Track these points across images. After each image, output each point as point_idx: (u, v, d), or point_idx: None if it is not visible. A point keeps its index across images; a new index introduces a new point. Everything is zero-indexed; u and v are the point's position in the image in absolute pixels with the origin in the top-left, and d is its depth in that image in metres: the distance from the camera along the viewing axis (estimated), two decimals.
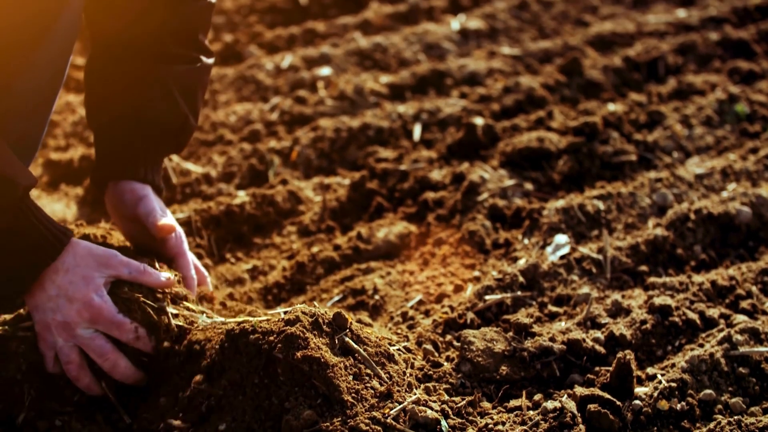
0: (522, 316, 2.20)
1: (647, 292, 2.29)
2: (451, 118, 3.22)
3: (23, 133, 2.25)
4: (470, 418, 1.87)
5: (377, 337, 1.92)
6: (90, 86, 2.20)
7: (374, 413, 1.74)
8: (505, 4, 4.08)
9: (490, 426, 1.84)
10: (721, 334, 2.09)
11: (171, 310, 1.96)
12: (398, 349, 1.99)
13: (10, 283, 1.85)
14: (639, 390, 1.96)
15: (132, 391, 1.95)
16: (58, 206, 2.82)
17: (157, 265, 2.03)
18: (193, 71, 2.18)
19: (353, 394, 1.76)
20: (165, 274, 1.96)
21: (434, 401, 1.86)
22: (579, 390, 1.94)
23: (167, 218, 2.09)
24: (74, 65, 3.81)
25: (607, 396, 1.92)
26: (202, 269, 2.22)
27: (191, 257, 2.17)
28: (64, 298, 1.84)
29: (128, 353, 1.91)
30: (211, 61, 2.22)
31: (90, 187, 2.13)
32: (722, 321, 2.18)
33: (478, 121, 3.05)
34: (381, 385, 1.82)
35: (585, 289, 2.31)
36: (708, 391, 1.96)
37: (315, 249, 2.59)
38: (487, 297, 2.26)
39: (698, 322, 2.17)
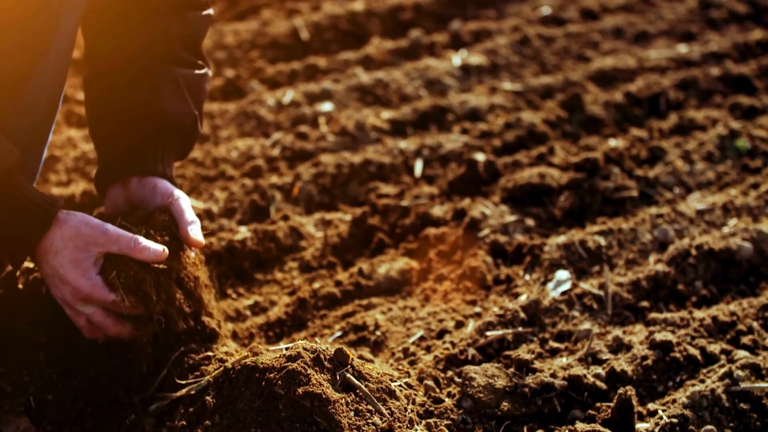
0: (523, 352, 2.23)
1: (648, 328, 2.33)
2: (452, 154, 3.26)
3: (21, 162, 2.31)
4: None
5: (378, 373, 1.95)
6: (93, 85, 2.21)
7: None
8: (507, 39, 4.14)
9: None
10: (723, 370, 2.12)
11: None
12: (399, 385, 2.02)
13: (6, 257, 1.92)
14: (640, 426, 2.00)
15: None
16: None
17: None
18: (199, 77, 2.21)
19: (355, 430, 1.79)
20: (157, 247, 1.93)
21: None
22: (580, 426, 1.97)
23: (197, 226, 2.08)
24: (75, 100, 3.87)
25: None
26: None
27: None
28: (58, 278, 1.89)
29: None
30: (210, 72, 2.27)
31: (104, 180, 2.15)
32: (723, 357, 2.22)
33: (480, 157, 3.10)
34: (382, 421, 1.85)
35: (586, 325, 2.34)
36: (709, 426, 1.99)
37: (316, 285, 2.63)
38: (488, 333, 2.30)
39: (699, 357, 2.21)
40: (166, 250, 1.94)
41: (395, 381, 2.04)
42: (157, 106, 2.12)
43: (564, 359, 2.23)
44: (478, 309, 2.46)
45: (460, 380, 2.12)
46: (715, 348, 2.23)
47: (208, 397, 1.90)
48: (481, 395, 2.07)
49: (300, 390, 1.78)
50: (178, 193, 2.08)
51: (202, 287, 2.11)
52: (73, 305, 1.93)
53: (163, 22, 2.18)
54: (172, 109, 2.14)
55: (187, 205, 2.07)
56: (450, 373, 2.18)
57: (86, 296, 1.89)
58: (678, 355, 2.20)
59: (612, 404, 2.05)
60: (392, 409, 1.89)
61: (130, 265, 1.92)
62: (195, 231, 2.03)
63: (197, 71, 2.21)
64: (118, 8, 2.17)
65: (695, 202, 2.89)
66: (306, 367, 1.82)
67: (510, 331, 2.31)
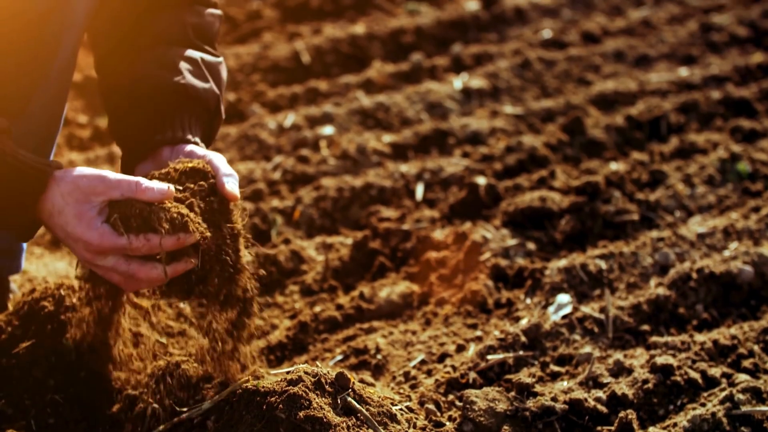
0: (524, 376, 2.25)
1: (649, 352, 2.35)
2: (453, 178, 3.30)
3: None
4: None
5: (380, 397, 1.98)
6: (108, 72, 2.17)
7: None
8: (508, 62, 4.18)
9: None
10: (723, 394, 2.14)
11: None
12: (400, 409, 2.05)
13: (9, 227, 1.88)
14: None
15: None
16: (61, 264, 2.89)
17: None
18: (217, 63, 2.19)
19: None
20: (161, 186, 1.86)
21: None
22: None
23: (233, 180, 2.01)
24: (76, 123, 3.91)
25: None
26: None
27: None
28: (70, 238, 1.84)
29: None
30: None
31: (134, 157, 2.08)
32: (724, 380, 2.24)
33: (481, 180, 3.13)
34: None
35: (587, 349, 2.37)
36: None
37: (317, 308, 2.66)
38: (489, 356, 2.32)
39: (700, 381, 2.23)
40: (172, 188, 1.86)
41: (396, 405, 2.06)
42: (181, 81, 2.07)
43: (565, 383, 2.25)
44: (479, 333, 2.48)
45: (461, 404, 2.14)
46: (716, 371, 2.26)
47: (209, 422, 1.92)
48: (482, 419, 2.09)
49: (301, 414, 1.80)
50: (214, 153, 2.03)
51: (236, 237, 2.02)
52: (94, 261, 1.86)
53: (175, 12, 2.17)
54: (196, 84, 2.09)
55: (223, 161, 2.01)
56: (451, 397, 2.20)
57: (98, 247, 1.82)
58: (679, 378, 2.22)
59: (613, 428, 2.07)
60: None
61: (134, 204, 1.84)
62: (231, 184, 1.96)
63: (214, 58, 2.19)
64: (128, 7, 2.16)
65: (696, 225, 2.92)
66: (307, 391, 1.85)
67: (511, 354, 2.34)
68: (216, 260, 1.96)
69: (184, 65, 2.10)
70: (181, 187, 1.92)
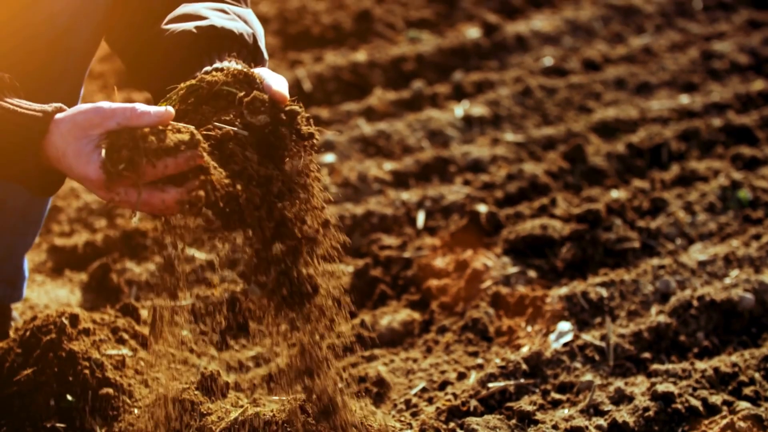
0: (525, 404, 2.28)
1: (650, 379, 2.38)
2: (454, 206, 3.33)
3: (24, 212, 2.37)
4: None
5: (381, 425, 2.00)
6: (131, 40, 2.13)
7: None
8: (509, 90, 4.23)
9: None
10: (724, 421, 2.17)
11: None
12: None
13: (21, 180, 1.84)
14: None
15: None
16: (62, 292, 2.93)
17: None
18: (248, 13, 2.12)
19: None
20: (158, 109, 1.77)
21: None
22: None
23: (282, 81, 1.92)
24: None
25: None
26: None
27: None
28: (78, 180, 1.79)
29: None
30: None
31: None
32: (725, 408, 2.27)
33: (482, 208, 3.17)
34: None
35: (588, 377, 2.40)
36: None
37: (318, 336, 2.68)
38: (490, 384, 2.35)
39: (701, 409, 2.26)
40: (170, 109, 1.78)
41: None
42: (208, 23, 2.00)
43: (566, 411, 2.28)
44: (480, 360, 2.51)
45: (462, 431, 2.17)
46: (716, 399, 2.28)
47: None
48: None
49: None
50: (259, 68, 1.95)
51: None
52: (106, 197, 1.77)
53: None
54: (226, 24, 2.00)
55: (269, 71, 1.94)
56: (452, 425, 2.23)
57: (99, 182, 1.75)
58: (680, 406, 2.25)
59: None
60: None
61: (128, 132, 1.74)
62: (280, 83, 1.88)
63: (242, 8, 2.12)
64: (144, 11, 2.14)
65: (697, 253, 2.95)
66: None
67: (512, 382, 2.36)
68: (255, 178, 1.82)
69: (208, 12, 2.05)
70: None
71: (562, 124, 4.02)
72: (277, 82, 1.88)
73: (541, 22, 4.92)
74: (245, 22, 2.06)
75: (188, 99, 1.87)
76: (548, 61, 4.58)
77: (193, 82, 1.86)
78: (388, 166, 3.64)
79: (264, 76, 1.89)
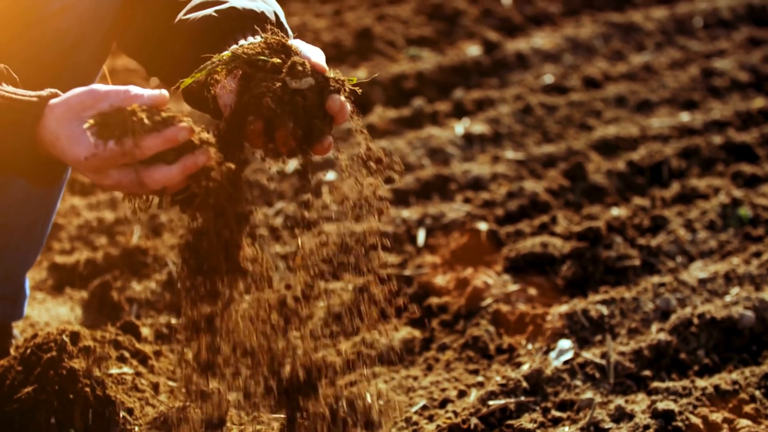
0: (525, 422, 2.30)
1: (650, 397, 2.39)
2: (455, 223, 3.35)
3: (27, 230, 2.39)
4: None
5: None
6: (147, 33, 2.11)
7: None
8: (509, 108, 4.25)
9: None
10: None
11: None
12: None
13: (18, 170, 1.82)
14: None
15: None
16: (63, 309, 2.94)
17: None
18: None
19: None
20: (152, 92, 1.74)
21: None
22: None
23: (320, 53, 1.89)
24: None
25: None
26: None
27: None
28: (73, 165, 1.76)
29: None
30: None
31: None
32: (726, 425, 2.28)
33: (482, 226, 3.19)
34: None
35: (588, 395, 2.41)
36: None
37: (319, 354, 2.70)
38: (490, 402, 2.37)
39: (701, 426, 2.27)
40: (165, 92, 1.74)
41: None
42: (230, 6, 1.98)
43: (566, 428, 2.30)
44: (480, 378, 2.53)
45: None
46: (717, 417, 2.30)
47: None
48: None
49: None
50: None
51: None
52: (104, 182, 1.75)
53: None
54: (246, 5, 1.98)
55: (303, 42, 1.91)
56: None
57: (89, 163, 1.72)
58: (680, 424, 2.26)
59: None
60: None
61: (117, 110, 1.71)
62: (317, 55, 1.85)
63: None
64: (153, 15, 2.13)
65: (697, 270, 2.97)
66: None
67: (512, 400, 2.38)
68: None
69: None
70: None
71: (563, 141, 4.04)
72: (314, 53, 1.85)
73: (541, 39, 4.95)
74: (264, 1, 2.05)
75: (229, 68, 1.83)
76: (549, 78, 4.61)
77: (228, 54, 1.82)
78: (389, 183, 3.66)
79: (300, 47, 1.87)
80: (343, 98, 1.81)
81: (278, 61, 1.80)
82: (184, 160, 1.72)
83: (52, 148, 1.75)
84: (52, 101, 1.76)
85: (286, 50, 1.84)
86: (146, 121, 1.68)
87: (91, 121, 1.69)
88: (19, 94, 1.77)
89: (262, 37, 1.86)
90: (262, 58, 1.80)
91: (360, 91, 1.86)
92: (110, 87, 1.74)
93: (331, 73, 1.83)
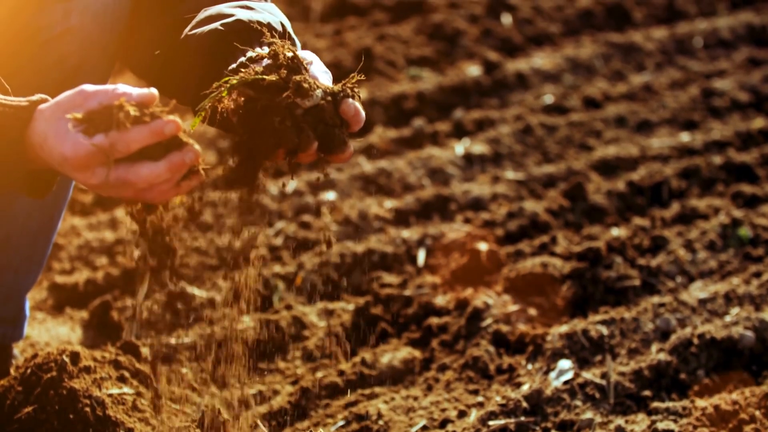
0: None
1: (650, 417, 2.41)
2: (455, 244, 3.37)
3: (28, 251, 2.41)
4: None
5: None
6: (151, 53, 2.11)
7: None
8: (509, 128, 4.27)
9: None
10: None
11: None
12: None
13: (4, 173, 1.79)
14: None
15: None
16: (63, 329, 2.96)
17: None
18: (269, 5, 2.10)
19: None
20: (141, 90, 1.71)
21: None
22: None
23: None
24: (79, 188, 4.00)
25: None
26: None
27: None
28: (59, 165, 1.73)
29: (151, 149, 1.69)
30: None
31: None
32: None
33: (482, 246, 3.21)
34: None
35: (588, 415, 2.43)
36: None
37: (319, 374, 2.72)
38: (490, 422, 2.38)
39: None
40: (154, 91, 1.71)
41: None
42: (236, 19, 1.98)
43: None
44: (480, 398, 2.55)
45: None
46: None
47: None
48: None
49: None
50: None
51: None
52: (88, 181, 1.72)
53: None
54: (252, 17, 1.98)
55: (315, 57, 1.90)
56: None
57: (75, 158, 1.68)
58: None
59: None
60: None
61: (105, 107, 1.68)
62: (324, 76, 1.85)
63: (262, 2, 2.09)
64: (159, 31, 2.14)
65: (697, 291, 2.99)
66: None
67: (512, 420, 2.40)
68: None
69: (232, 9, 2.03)
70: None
71: (563, 161, 4.07)
72: (320, 73, 1.83)
73: (541, 59, 4.99)
74: (270, 13, 2.05)
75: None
76: (549, 98, 4.63)
77: (233, 79, 1.79)
78: (389, 204, 3.69)
79: (307, 58, 1.84)
80: (356, 102, 1.81)
81: (280, 78, 1.77)
82: (171, 156, 1.68)
83: (41, 150, 1.72)
84: (42, 106, 1.74)
85: (294, 63, 1.80)
86: (133, 113, 1.66)
87: (78, 116, 1.67)
88: (8, 100, 1.76)
89: (269, 49, 1.83)
90: (267, 78, 1.77)
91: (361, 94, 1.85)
92: (99, 87, 1.72)
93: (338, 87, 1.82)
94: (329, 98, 1.78)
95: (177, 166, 1.69)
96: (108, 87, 1.71)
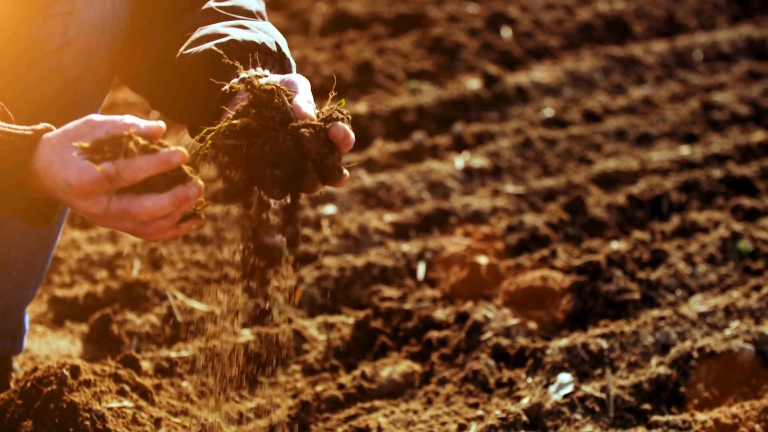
0: None
1: (650, 431, 2.42)
2: (455, 257, 3.39)
3: (27, 265, 2.43)
4: None
5: None
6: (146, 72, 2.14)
7: None
8: (509, 141, 4.29)
9: None
10: None
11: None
12: None
13: (6, 201, 1.79)
14: None
15: None
16: (63, 343, 2.97)
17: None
18: (265, 24, 2.11)
19: None
20: (149, 122, 1.72)
21: None
22: None
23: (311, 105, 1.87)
24: None
25: None
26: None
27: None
28: (62, 193, 1.73)
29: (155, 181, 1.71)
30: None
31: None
32: None
33: (482, 260, 3.23)
34: None
35: (588, 428, 2.44)
36: None
37: (319, 388, 2.73)
38: None
39: None
40: (161, 123, 1.73)
41: None
42: (230, 39, 1.99)
43: None
44: (480, 412, 2.56)
45: None
46: None
47: None
48: None
49: None
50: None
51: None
52: (90, 209, 1.72)
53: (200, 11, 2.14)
54: (246, 37, 1.99)
55: (304, 82, 1.90)
56: None
57: (79, 185, 1.69)
58: None
59: None
60: None
61: (113, 136, 1.70)
62: (307, 106, 1.83)
63: (258, 21, 2.10)
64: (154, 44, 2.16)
65: (697, 304, 3.00)
66: None
67: None
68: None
69: (227, 29, 2.04)
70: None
71: (563, 175, 4.08)
72: (304, 103, 1.82)
73: (541, 73, 5.01)
74: (265, 33, 2.06)
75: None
76: (549, 112, 4.65)
77: (209, 140, 1.79)
78: (389, 217, 3.70)
79: (293, 84, 1.85)
80: (345, 125, 1.81)
81: (250, 120, 1.76)
82: (175, 190, 1.69)
83: (45, 176, 1.73)
84: (48, 134, 1.76)
85: (273, 102, 1.79)
86: (141, 142, 1.68)
87: (84, 145, 1.69)
88: (13, 128, 1.77)
89: (243, 85, 1.82)
90: (238, 122, 1.76)
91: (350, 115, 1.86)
92: (107, 117, 1.74)
93: (324, 108, 1.82)
94: (315, 128, 1.78)
95: (180, 200, 1.70)
96: (116, 117, 1.72)
